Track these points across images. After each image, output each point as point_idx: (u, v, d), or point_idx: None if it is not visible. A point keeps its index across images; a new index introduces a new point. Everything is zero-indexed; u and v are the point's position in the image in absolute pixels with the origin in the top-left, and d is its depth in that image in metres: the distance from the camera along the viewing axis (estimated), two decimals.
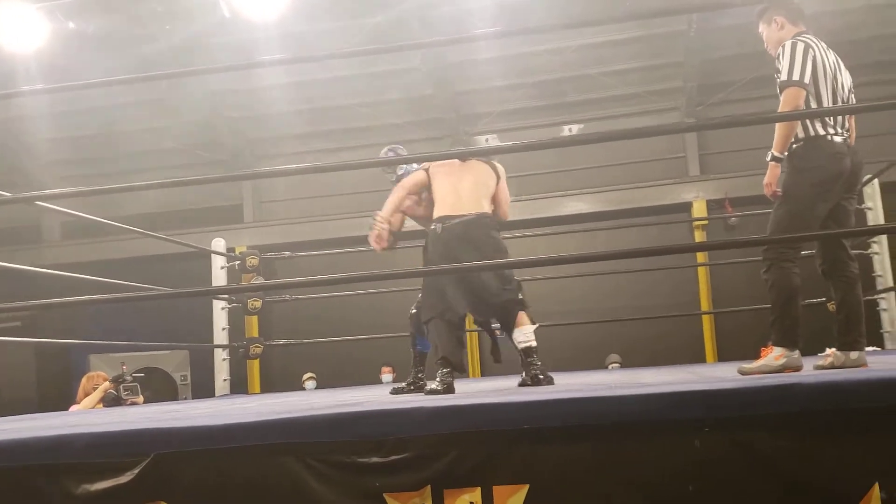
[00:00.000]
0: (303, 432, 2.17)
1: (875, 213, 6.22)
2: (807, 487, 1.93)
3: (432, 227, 4.23)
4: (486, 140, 11.56)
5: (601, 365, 9.29)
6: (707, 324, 10.30)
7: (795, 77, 3.39)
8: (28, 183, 11.24)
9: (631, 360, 9.19)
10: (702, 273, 10.24)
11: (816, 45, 3.52)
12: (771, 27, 3.76)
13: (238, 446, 2.16)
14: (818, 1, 9.12)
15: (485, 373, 10.28)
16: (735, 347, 9.79)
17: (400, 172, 4.68)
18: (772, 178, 3.64)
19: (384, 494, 2.08)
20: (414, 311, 4.58)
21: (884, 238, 6.26)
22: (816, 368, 3.47)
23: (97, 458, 2.17)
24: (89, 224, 5.29)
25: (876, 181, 6.16)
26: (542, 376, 3.93)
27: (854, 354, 3.48)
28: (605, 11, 9.04)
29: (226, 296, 6.82)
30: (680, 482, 1.97)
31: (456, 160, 4.38)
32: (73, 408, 5.88)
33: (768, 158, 3.63)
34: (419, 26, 9.15)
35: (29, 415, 4.61)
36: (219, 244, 7.04)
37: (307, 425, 2.19)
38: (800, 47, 3.46)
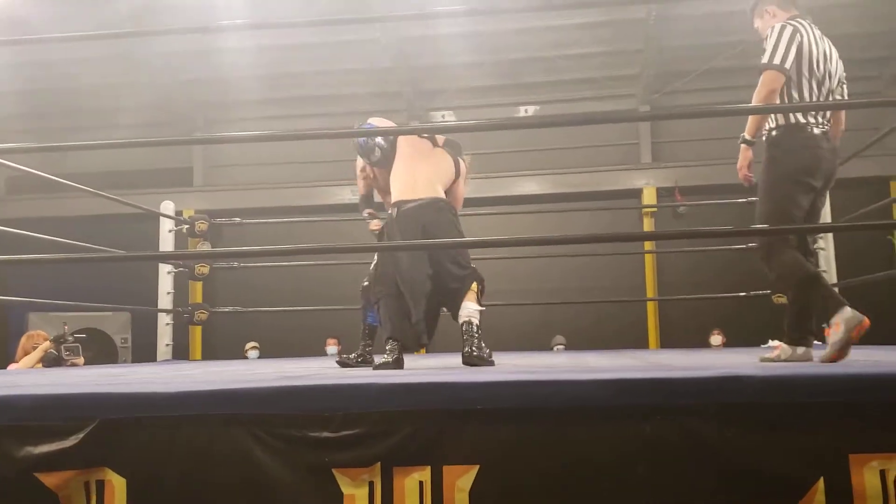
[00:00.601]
0: (253, 403, 2.13)
1: (823, 210, 6.33)
2: (753, 478, 1.95)
3: (389, 211, 4.17)
4: (443, 116, 11.54)
5: (546, 346, 9.38)
6: (651, 310, 10.45)
7: (776, 61, 3.34)
8: None
9: (575, 342, 9.30)
10: (648, 260, 10.37)
11: (807, 30, 3.44)
12: (764, 19, 3.70)
13: (187, 415, 2.13)
14: None
15: (431, 350, 10.30)
16: (676, 334, 9.98)
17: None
18: (744, 161, 3.55)
19: (333, 470, 2.06)
20: (366, 283, 4.52)
21: (830, 235, 6.39)
22: (763, 360, 3.45)
23: (41, 420, 2.12)
24: (36, 180, 5.15)
25: None
26: (476, 355, 3.83)
27: (801, 350, 3.44)
28: None
29: (173, 260, 6.72)
30: (628, 467, 1.99)
31: (427, 143, 4.31)
32: (12, 367, 5.76)
33: (740, 142, 3.56)
34: None
35: None
36: (167, 207, 6.93)
37: (258, 396, 2.15)
38: (787, 31, 3.39)
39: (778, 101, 3.40)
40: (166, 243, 6.79)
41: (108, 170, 11.08)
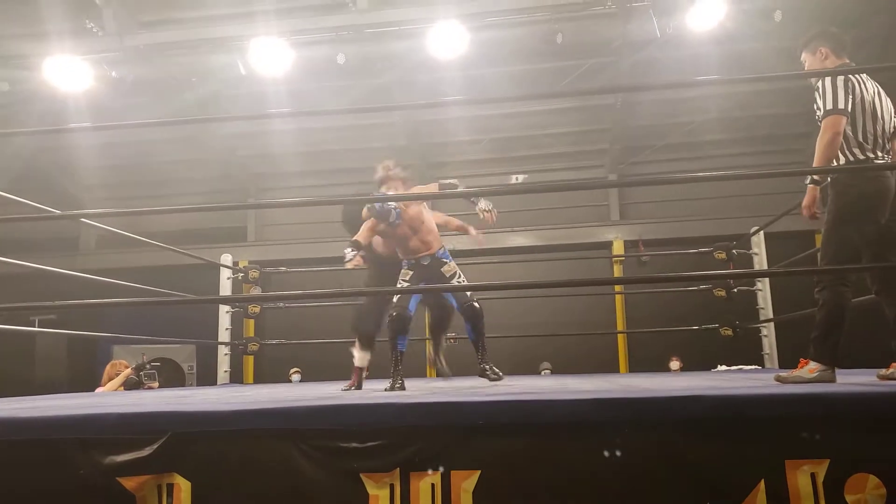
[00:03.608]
0: (296, 419, 2.13)
1: (760, 258, 6.33)
2: (707, 480, 1.93)
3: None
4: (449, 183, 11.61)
5: (535, 370, 9.30)
6: (621, 340, 10.38)
7: (840, 105, 2.96)
8: (70, 202, 11.07)
9: (559, 368, 9.22)
10: (618, 299, 10.34)
11: (857, 76, 3.07)
12: (815, 56, 3.28)
13: (241, 429, 2.13)
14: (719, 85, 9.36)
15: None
16: (643, 361, 9.90)
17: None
18: (810, 200, 3.12)
19: (361, 474, 2.05)
20: (394, 314, 4.23)
21: (766, 278, 6.38)
22: (880, 377, 2.99)
23: (123, 433, 2.12)
24: (119, 238, 5.20)
25: (762, 232, 6.28)
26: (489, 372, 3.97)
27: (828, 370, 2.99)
28: (550, 86, 9.21)
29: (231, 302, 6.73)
30: (603, 473, 1.97)
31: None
32: (98, 390, 5.74)
33: (807, 182, 3.16)
34: (400, 90, 9.20)
35: (60, 394, 4.48)
36: (226, 259, 6.96)
37: (300, 414, 2.15)
38: (840, 80, 3.02)
39: (841, 143, 3.01)
40: (225, 288, 6.82)
41: (178, 228, 11.13)
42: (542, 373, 9.11)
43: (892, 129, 3.14)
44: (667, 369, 8.79)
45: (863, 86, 3.07)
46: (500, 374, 4.05)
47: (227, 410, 2.17)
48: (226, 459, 2.11)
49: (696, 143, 10.64)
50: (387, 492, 2.04)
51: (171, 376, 10.02)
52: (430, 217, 4.44)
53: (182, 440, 2.12)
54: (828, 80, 3.03)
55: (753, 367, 6.60)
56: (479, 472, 2.02)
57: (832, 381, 2.92)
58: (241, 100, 9.39)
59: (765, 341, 6.32)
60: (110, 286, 5.10)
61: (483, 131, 10.68)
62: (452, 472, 2.03)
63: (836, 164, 3.02)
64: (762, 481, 1.90)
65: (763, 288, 6.38)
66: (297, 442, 2.08)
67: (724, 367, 6.87)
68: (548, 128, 10.63)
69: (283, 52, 8.17)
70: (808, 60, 3.34)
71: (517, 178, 11.51)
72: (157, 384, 5.81)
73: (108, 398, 3.68)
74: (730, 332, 6.30)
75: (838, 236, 3.02)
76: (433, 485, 2.03)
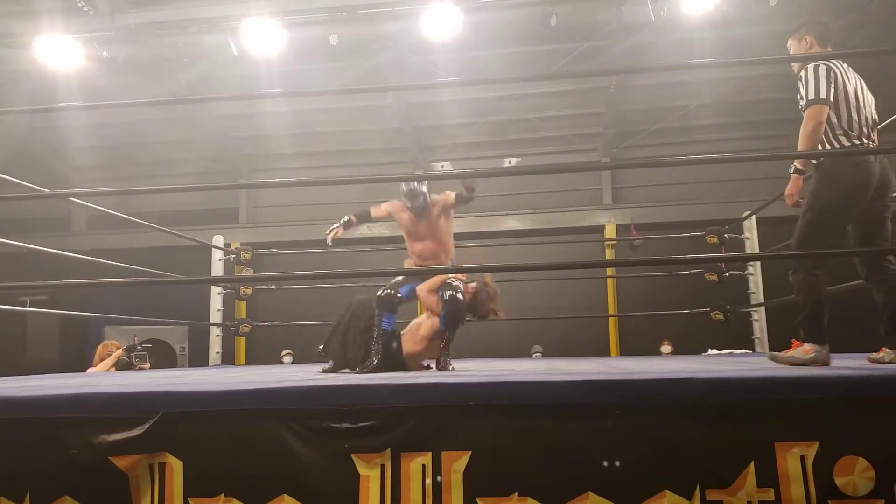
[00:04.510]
0: (286, 400, 2.13)
1: (752, 242, 6.35)
2: (697, 463, 1.93)
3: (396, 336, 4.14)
4: (442, 166, 11.57)
5: (527, 353, 9.33)
6: (612, 324, 10.42)
7: (822, 95, 3.00)
8: (61, 182, 11.00)
9: (550, 351, 9.26)
10: (609, 283, 10.36)
11: (839, 67, 3.11)
12: (801, 45, 3.36)
13: (232, 409, 2.12)
14: (713, 70, 9.34)
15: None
16: (633, 344, 9.95)
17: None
18: (794, 189, 3.18)
19: (352, 455, 2.05)
20: (389, 291, 4.17)
21: (758, 262, 6.39)
22: (870, 360, 3.01)
23: (114, 413, 2.11)
24: (111, 218, 5.17)
25: (753, 217, 6.29)
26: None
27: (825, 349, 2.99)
28: (544, 69, 9.16)
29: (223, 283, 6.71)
30: (593, 455, 1.98)
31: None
32: (90, 370, 5.72)
33: (791, 171, 3.19)
34: (393, 72, 9.14)
35: (52, 374, 4.47)
36: (218, 240, 6.94)
37: (290, 394, 2.15)
38: (822, 70, 3.06)
39: (823, 133, 3.05)
40: (217, 270, 6.80)
41: (170, 209, 11.09)
42: (534, 356, 9.14)
43: (873, 120, 3.17)
44: (658, 353, 8.84)
45: (845, 76, 3.10)
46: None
47: (218, 390, 2.16)
48: (217, 439, 2.11)
49: (690, 128, 10.64)
50: (377, 472, 2.04)
51: (163, 358, 10.00)
52: (449, 231, 4.42)
53: (173, 420, 2.11)
54: (810, 69, 3.07)
55: (744, 350, 6.63)
56: (469, 453, 2.02)
57: (827, 361, 2.93)
58: (234, 81, 9.31)
59: (755, 325, 6.36)
60: (102, 267, 5.08)
61: (477, 114, 10.64)
62: (443, 452, 2.03)
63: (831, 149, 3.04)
64: (752, 464, 1.91)
65: (754, 272, 6.40)
66: (288, 422, 2.08)
67: (714, 351, 6.91)
68: (542, 111, 10.60)
69: (276, 32, 8.09)
70: (793, 47, 3.39)
71: (510, 162, 11.50)
72: (148, 365, 5.80)
73: (100, 378, 3.67)
74: (721, 317, 6.33)
75: (818, 220, 3.03)
76: (424, 465, 2.03)
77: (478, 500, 1.99)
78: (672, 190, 10.67)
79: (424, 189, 4.30)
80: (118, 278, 3.55)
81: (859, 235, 3.10)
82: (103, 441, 2.08)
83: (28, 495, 2.08)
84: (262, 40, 8.17)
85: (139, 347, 5.84)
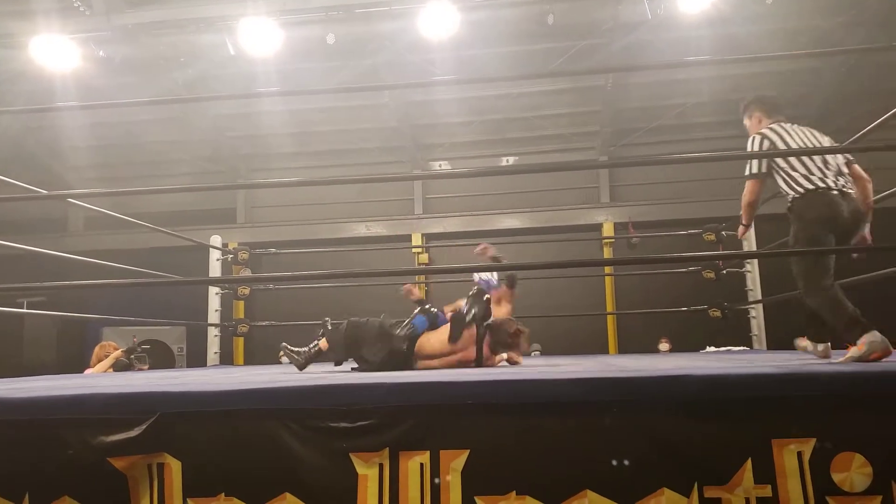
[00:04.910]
0: (284, 400, 2.13)
1: (749, 240, 6.36)
2: (695, 460, 1.94)
3: (406, 336, 4.09)
4: (440, 165, 11.57)
5: (525, 351, 9.31)
6: (610, 322, 10.43)
7: (754, 171, 3.42)
8: (57, 183, 10.98)
9: (549, 349, 9.26)
10: (608, 281, 10.37)
11: (781, 130, 3.43)
12: (752, 121, 3.70)
13: (230, 409, 2.12)
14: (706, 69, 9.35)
15: None
16: (631, 342, 9.96)
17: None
18: (742, 232, 3.79)
19: (350, 454, 2.05)
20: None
21: (755, 260, 6.40)
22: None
23: (112, 414, 2.11)
24: (108, 219, 5.16)
25: None
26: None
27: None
28: (541, 68, 9.17)
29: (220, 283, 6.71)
30: (591, 453, 1.98)
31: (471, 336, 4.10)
32: (88, 371, 5.71)
33: (742, 223, 3.69)
34: (390, 71, 9.14)
35: (50, 375, 4.47)
36: (216, 240, 6.93)
37: (288, 394, 2.15)
38: (756, 142, 3.45)
39: (757, 205, 3.53)
40: (214, 270, 6.79)
41: (167, 210, 11.08)
42: (533, 354, 9.14)
43: (841, 160, 3.38)
44: (656, 351, 8.84)
45: (788, 136, 3.42)
46: None
47: (216, 390, 2.16)
48: (215, 439, 2.11)
49: (687, 126, 10.65)
50: (376, 471, 2.04)
51: (161, 359, 10.00)
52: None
53: (171, 420, 2.11)
54: (749, 143, 3.50)
55: (742, 348, 6.64)
56: (468, 452, 2.02)
57: (885, 346, 2.90)
58: (230, 80, 9.30)
59: (753, 322, 6.37)
60: (99, 268, 5.07)
61: (474, 113, 10.64)
62: (441, 451, 2.03)
63: (794, 194, 3.29)
64: (749, 460, 1.91)
65: (752, 270, 6.40)
66: (287, 422, 2.08)
67: (712, 349, 6.91)
68: (539, 110, 10.61)
69: (273, 31, 8.09)
70: (747, 123, 3.76)
71: (508, 160, 11.51)
72: (147, 366, 5.80)
73: (98, 379, 3.67)
74: (718, 314, 6.34)
75: (808, 255, 3.25)
76: (422, 464, 2.03)
77: (476, 498, 2.00)
78: (669, 188, 10.68)
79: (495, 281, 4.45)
80: (116, 279, 3.54)
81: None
82: (101, 442, 2.08)
83: (27, 496, 2.09)
84: (259, 40, 8.17)
85: (139, 349, 5.84)
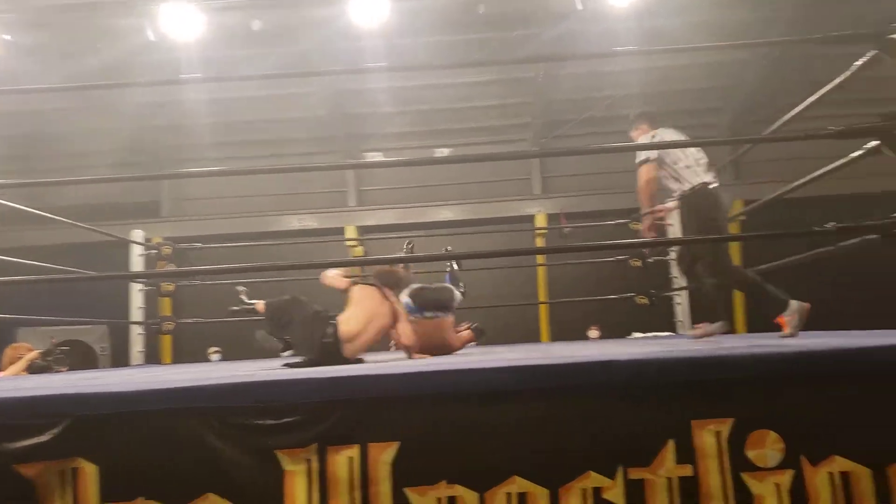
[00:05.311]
0: (206, 398, 2.08)
1: (674, 229, 6.53)
2: (620, 443, 1.98)
3: (331, 323, 3.93)
4: (372, 155, 11.51)
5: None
6: (543, 311, 10.59)
7: (641, 157, 3.95)
8: None
9: (484, 338, 9.33)
10: (541, 271, 10.53)
11: (665, 135, 4.02)
12: (637, 132, 4.25)
13: (149, 410, 2.06)
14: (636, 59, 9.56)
15: None
16: (563, 330, 10.15)
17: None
18: (646, 226, 4.13)
19: (275, 451, 2.03)
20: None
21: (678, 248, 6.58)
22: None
23: (20, 418, 2.02)
24: (19, 214, 4.93)
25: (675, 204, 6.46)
26: None
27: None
28: (473, 58, 9.20)
29: (142, 279, 6.52)
30: (520, 440, 2.01)
31: (377, 291, 4.14)
32: None
33: (642, 213, 4.13)
34: (319, 59, 9.02)
35: None
36: (137, 235, 6.73)
37: (210, 392, 2.10)
38: (648, 138, 4.05)
39: (655, 188, 3.96)
40: (137, 266, 6.61)
41: (85, 203, 10.65)
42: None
43: (705, 162, 3.97)
44: (586, 337, 9.04)
45: (667, 135, 4.02)
46: None
47: (133, 391, 2.09)
48: (134, 441, 2.04)
49: (617, 118, 10.83)
50: (304, 467, 2.02)
51: (83, 359, 9.66)
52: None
53: (86, 423, 2.03)
54: (638, 140, 4.14)
55: (667, 333, 6.85)
56: (398, 444, 2.02)
57: (806, 307, 3.50)
58: (151, 67, 8.99)
59: (678, 309, 6.58)
60: (12, 265, 4.85)
61: (406, 103, 10.61)
62: (370, 444, 2.02)
63: (682, 190, 3.90)
64: (671, 442, 1.97)
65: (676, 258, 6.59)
66: (209, 421, 2.03)
67: (639, 335, 7.11)
68: (472, 100, 10.65)
69: (195, 16, 7.87)
70: (634, 135, 4.31)
71: (441, 152, 11.53)
72: (66, 368, 5.59)
73: (6, 382, 3.52)
74: (645, 301, 6.52)
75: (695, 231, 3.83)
76: (351, 458, 2.02)
77: (406, 490, 2.00)
78: (599, 179, 10.88)
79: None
80: (35, 276, 3.40)
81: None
82: (7, 449, 1.98)
83: None
84: (180, 25, 7.95)
85: (57, 350, 5.63)
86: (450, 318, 4.74)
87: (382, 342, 4.48)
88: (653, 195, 3.98)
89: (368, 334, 3.98)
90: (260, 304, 4.09)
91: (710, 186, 3.84)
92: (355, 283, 4.17)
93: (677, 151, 3.90)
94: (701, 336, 3.85)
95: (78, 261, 6.42)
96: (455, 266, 5.15)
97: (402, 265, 4.40)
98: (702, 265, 3.85)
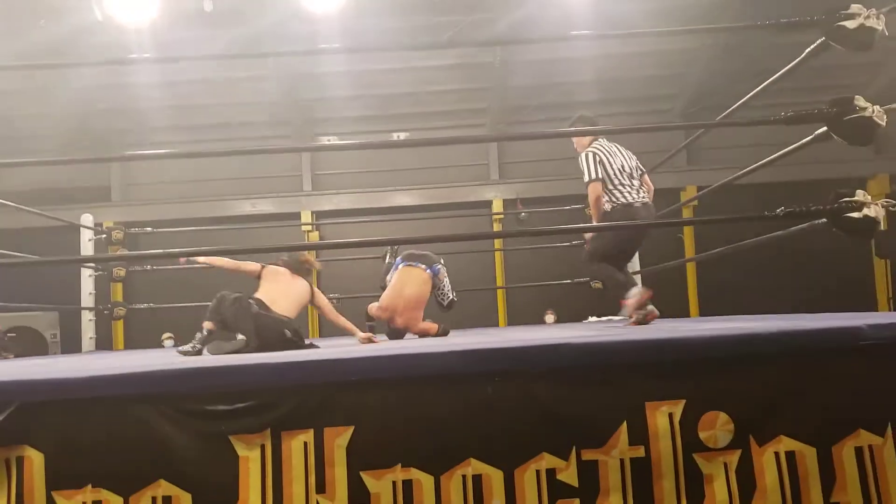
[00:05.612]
0: (157, 384, 2.04)
1: None
2: (574, 424, 2.01)
3: (251, 301, 4.05)
4: (329, 140, 11.37)
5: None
6: (500, 296, 10.65)
7: (594, 176, 4.35)
8: None
9: (441, 323, 9.34)
10: (498, 257, 10.58)
11: (603, 149, 4.43)
12: (576, 142, 4.67)
13: (98, 396, 2.01)
14: (592, 45, 9.61)
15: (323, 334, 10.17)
16: (520, 315, 10.22)
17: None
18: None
19: (229, 437, 2.00)
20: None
21: None
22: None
23: None
24: None
25: None
26: None
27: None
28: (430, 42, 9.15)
29: (92, 264, 6.35)
30: (474, 423, 2.01)
31: (287, 271, 4.34)
32: None
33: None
34: (273, 41, 8.85)
35: None
36: (87, 219, 6.56)
37: (161, 378, 2.06)
38: (590, 156, 4.40)
39: (604, 202, 4.38)
40: (87, 251, 6.44)
41: (31, 188, 10.29)
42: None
43: (639, 173, 4.54)
44: (542, 322, 9.12)
45: (609, 152, 4.44)
46: None
47: (82, 377, 2.04)
48: (82, 429, 2.00)
49: (573, 104, 10.89)
50: (258, 452, 2.00)
51: (31, 346, 9.40)
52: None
53: (32, 410, 1.98)
54: (583, 157, 4.45)
55: (621, 317, 6.94)
56: (352, 428, 2.01)
57: (645, 293, 4.24)
58: (98, 48, 8.70)
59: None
60: None
61: (362, 87, 10.49)
62: (326, 428, 2.01)
63: (607, 207, 4.41)
64: (624, 423, 2.00)
65: None
66: (160, 407, 2.00)
67: (594, 318, 7.20)
68: (429, 85, 10.58)
69: None
70: (574, 140, 4.73)
71: (398, 136, 11.44)
72: (13, 355, 5.45)
73: None
74: (600, 285, 6.59)
75: (605, 240, 4.51)
76: (306, 443, 2.01)
77: (362, 473, 2.00)
78: (555, 165, 10.91)
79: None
80: None
81: (626, 251, 4.65)
82: None
83: None
84: (129, 4, 7.71)
85: (5, 337, 5.48)
86: (426, 273, 5.09)
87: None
88: (601, 214, 4.40)
89: (290, 299, 4.20)
90: (208, 324, 4.07)
91: (633, 206, 4.35)
92: (264, 267, 4.36)
93: (614, 169, 4.38)
94: (634, 313, 4.17)
95: (26, 247, 6.23)
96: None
97: (314, 256, 4.57)
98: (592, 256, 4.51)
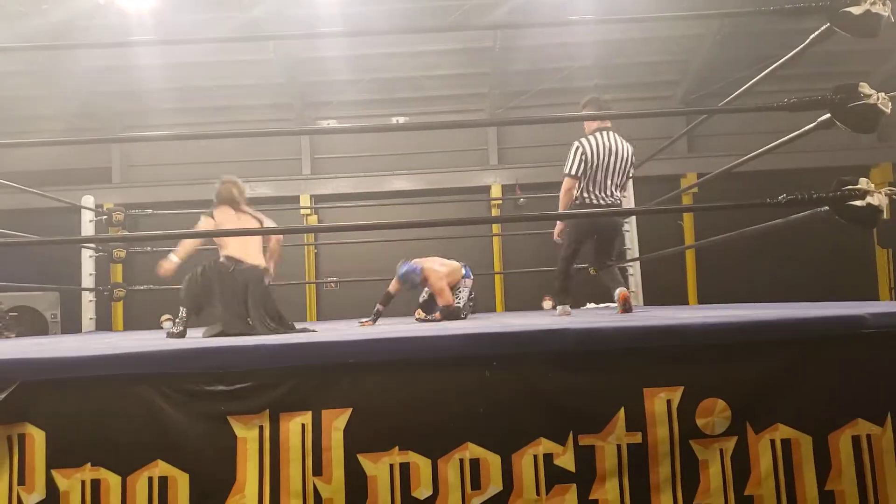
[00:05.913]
0: (157, 364, 2.03)
1: (628, 200, 6.60)
2: (571, 409, 2.00)
3: (221, 260, 4.14)
4: (328, 123, 11.31)
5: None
6: (498, 281, 10.64)
7: (572, 171, 4.38)
8: None
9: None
10: (496, 242, 10.56)
11: (594, 143, 4.37)
12: (585, 124, 4.58)
13: (98, 375, 2.01)
14: (596, 30, 9.55)
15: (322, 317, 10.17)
16: (518, 300, 10.22)
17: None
18: (558, 230, 4.80)
19: (228, 417, 1.99)
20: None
21: (633, 219, 6.65)
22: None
23: None
24: None
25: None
26: None
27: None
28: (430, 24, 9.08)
29: (93, 245, 6.33)
30: (472, 407, 2.01)
31: (231, 210, 4.40)
32: None
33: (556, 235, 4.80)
34: (275, 24, 8.78)
35: None
36: (88, 201, 6.53)
37: (161, 358, 2.05)
38: (575, 149, 4.40)
39: (574, 195, 4.42)
40: (87, 232, 6.42)
41: (34, 170, 10.25)
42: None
43: (624, 178, 4.51)
44: (540, 308, 9.11)
45: (598, 149, 4.37)
46: None
47: (81, 356, 2.03)
48: (82, 408, 1.99)
49: (573, 90, 10.84)
50: (256, 433, 1.99)
51: (32, 326, 9.40)
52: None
53: (34, 389, 1.98)
54: (571, 149, 4.42)
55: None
56: (350, 410, 2.01)
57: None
58: (100, 32, 8.63)
59: (631, 279, 6.65)
60: None
61: (364, 71, 10.43)
62: (324, 410, 2.01)
63: (577, 201, 4.44)
64: (622, 409, 1.99)
65: (630, 229, 6.66)
66: (160, 387, 1.99)
67: (592, 305, 7.19)
68: (429, 69, 10.52)
69: None
70: (585, 126, 4.62)
71: (398, 120, 11.39)
72: (14, 334, 5.44)
73: None
74: (594, 272, 6.57)
75: (570, 240, 4.60)
76: (304, 424, 2.00)
77: (359, 456, 1.99)
78: (555, 150, 10.83)
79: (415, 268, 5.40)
80: None
81: (597, 246, 4.65)
82: None
83: None
84: None
85: (6, 316, 5.47)
86: (462, 270, 5.72)
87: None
88: (566, 205, 4.44)
89: (252, 246, 4.28)
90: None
91: (592, 202, 4.41)
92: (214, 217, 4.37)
93: (594, 167, 4.37)
94: (623, 302, 4.25)
95: (27, 227, 6.21)
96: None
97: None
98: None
